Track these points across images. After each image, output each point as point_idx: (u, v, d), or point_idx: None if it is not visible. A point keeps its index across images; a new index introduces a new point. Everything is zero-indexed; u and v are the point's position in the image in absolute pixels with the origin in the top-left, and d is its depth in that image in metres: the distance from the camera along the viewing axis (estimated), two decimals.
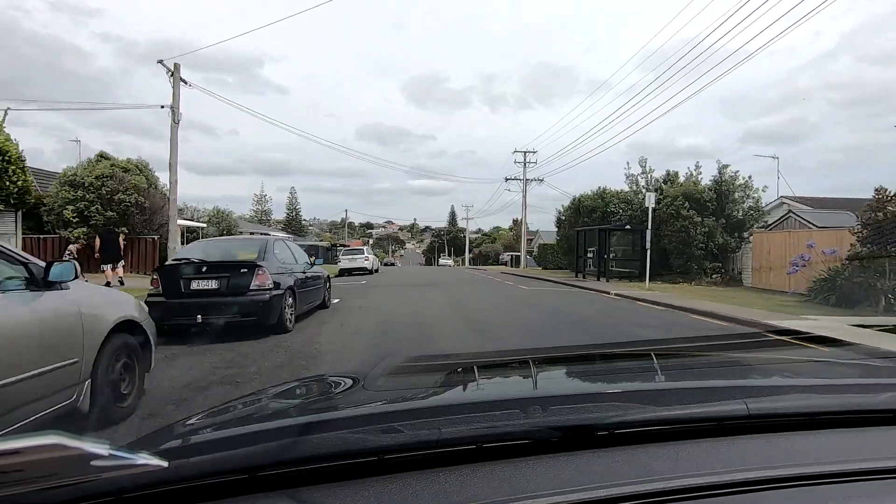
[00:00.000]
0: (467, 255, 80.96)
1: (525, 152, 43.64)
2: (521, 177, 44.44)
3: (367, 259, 29.87)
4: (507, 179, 44.89)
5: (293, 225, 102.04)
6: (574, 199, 30.49)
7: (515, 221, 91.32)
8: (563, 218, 31.88)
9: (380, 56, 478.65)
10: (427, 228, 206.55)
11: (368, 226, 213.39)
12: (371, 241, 75.38)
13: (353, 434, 0.93)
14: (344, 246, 42.64)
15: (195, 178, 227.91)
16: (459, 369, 1.78)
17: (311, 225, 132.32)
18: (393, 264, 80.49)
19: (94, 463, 0.71)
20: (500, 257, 67.52)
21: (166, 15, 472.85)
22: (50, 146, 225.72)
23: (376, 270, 31.40)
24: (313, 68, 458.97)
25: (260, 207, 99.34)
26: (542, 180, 44.22)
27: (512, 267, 50.39)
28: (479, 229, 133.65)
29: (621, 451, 0.93)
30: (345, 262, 29.37)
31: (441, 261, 79.43)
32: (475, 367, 1.77)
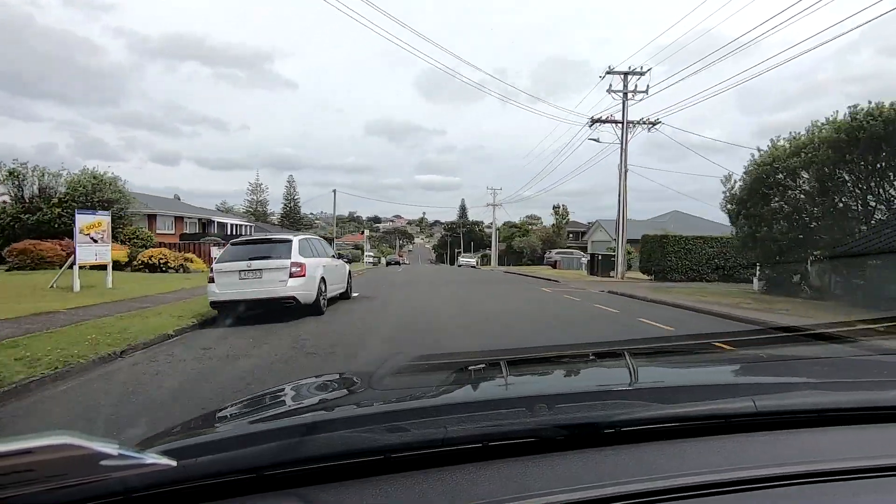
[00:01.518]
0: (494, 252, 57.94)
1: (626, 73, 20.31)
2: (619, 116, 22.21)
3: (298, 271, 10.00)
4: (593, 122, 21.67)
5: (291, 217, 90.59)
6: (853, 113, 12.33)
7: (556, 209, 68.85)
8: (749, 179, 15.43)
9: (389, 51, 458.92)
10: (436, 222, 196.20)
11: (376, 220, 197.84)
12: (367, 233, 54.16)
13: (360, 433, 0.91)
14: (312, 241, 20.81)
15: (207, 172, 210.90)
16: (464, 368, 1.69)
17: (317, 219, 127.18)
18: (398, 263, 58.22)
19: (103, 463, 0.71)
20: (547, 256, 44.97)
21: (176, 9, 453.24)
22: (63, 141, 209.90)
23: (342, 295, 13.43)
24: (323, 63, 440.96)
25: (255, 198, 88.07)
26: (654, 124, 20.86)
27: (595, 274, 26.67)
28: (491, 224, 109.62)
29: (628, 448, 0.92)
30: (222, 283, 9.79)
31: (461, 259, 57.88)
32: (480, 366, 1.70)
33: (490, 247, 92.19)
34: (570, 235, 71.28)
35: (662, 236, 25.04)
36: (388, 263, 62.78)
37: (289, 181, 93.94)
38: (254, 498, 0.80)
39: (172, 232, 35.50)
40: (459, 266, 54.75)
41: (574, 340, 8.33)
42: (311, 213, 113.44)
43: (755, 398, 1.03)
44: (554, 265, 44.61)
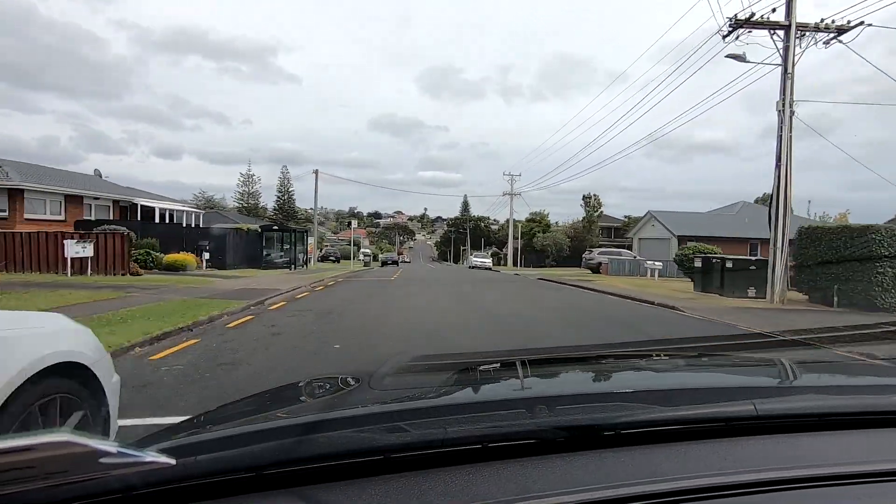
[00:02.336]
0: (511, 251, 46.13)
1: None
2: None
3: None
4: (737, 25, 7.65)
5: (285, 210, 78.18)
6: None
7: (585, 199, 56.26)
8: None
9: (394, 46, 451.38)
10: (438, 218, 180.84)
11: (376, 215, 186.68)
12: (355, 224, 41.90)
13: (359, 433, 0.91)
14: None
15: (208, 166, 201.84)
16: (465, 369, 1.65)
17: (318, 214, 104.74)
18: (395, 263, 45.73)
19: (102, 460, 0.70)
20: (587, 256, 33.00)
21: (178, 2, 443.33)
22: (66, 133, 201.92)
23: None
24: (327, 58, 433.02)
25: (247, 190, 75.36)
26: (841, 31, 6.56)
27: (714, 291, 15.71)
28: (496, 220, 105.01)
29: (628, 451, 0.91)
30: None
31: (474, 259, 45.85)
32: (481, 367, 1.65)
33: (498, 244, 79.57)
34: (601, 232, 58.90)
35: (868, 228, 13.29)
36: (384, 263, 50.78)
37: (282, 172, 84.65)
38: (253, 497, 0.79)
39: (61, 217, 23.98)
40: (472, 267, 43.10)
41: None
42: (310, 209, 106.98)
43: (756, 401, 1.01)
44: (597, 268, 33.22)
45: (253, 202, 75.39)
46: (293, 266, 28.95)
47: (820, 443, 0.97)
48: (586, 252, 37.47)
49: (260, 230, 29.60)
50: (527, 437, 0.90)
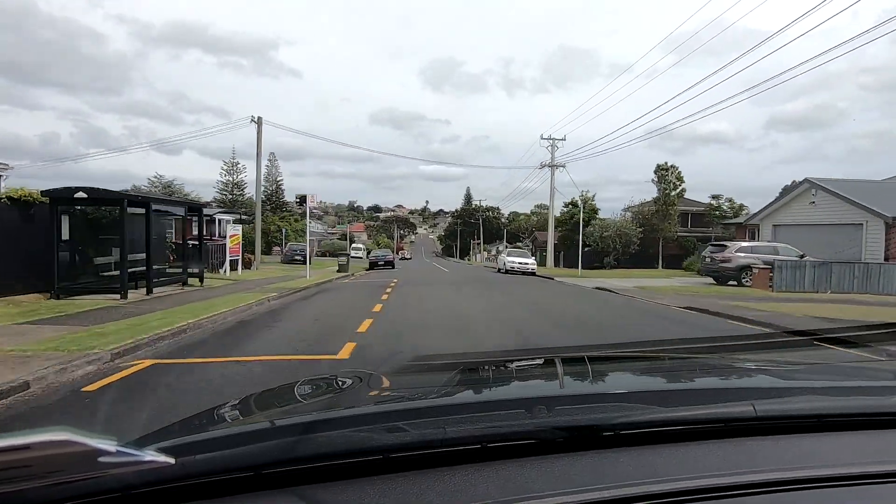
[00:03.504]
0: (551, 247, 29.90)
1: None
2: None
3: None
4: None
5: (272, 202, 66.36)
6: None
7: (660, 172, 38.54)
8: None
9: (396, 39, 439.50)
10: (441, 212, 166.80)
11: (376, 209, 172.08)
12: (312, 200, 24.16)
13: (359, 433, 0.90)
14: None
15: (209, 161, 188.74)
16: (465, 369, 1.61)
17: (315, 208, 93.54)
18: (390, 263, 27.93)
19: (101, 459, 0.70)
20: (720, 256, 16.73)
21: None
22: (66, 129, 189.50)
23: None
24: (329, 52, 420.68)
25: (231, 179, 61.78)
26: None
27: None
28: (500, 213, 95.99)
29: (627, 451, 0.91)
30: None
31: (509, 259, 29.78)
32: (480, 367, 1.62)
33: (510, 238, 61.95)
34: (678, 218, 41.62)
35: None
36: (374, 264, 35.04)
37: (270, 160, 76.66)
38: (252, 496, 0.79)
39: None
40: (505, 271, 27.72)
41: None
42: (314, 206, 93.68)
43: (755, 402, 1.00)
44: (734, 276, 17.63)
45: (238, 193, 61.68)
46: (145, 286, 11.77)
47: (819, 444, 0.96)
48: (708, 248, 21.37)
49: (49, 202, 10.81)
50: (526, 437, 0.89)
